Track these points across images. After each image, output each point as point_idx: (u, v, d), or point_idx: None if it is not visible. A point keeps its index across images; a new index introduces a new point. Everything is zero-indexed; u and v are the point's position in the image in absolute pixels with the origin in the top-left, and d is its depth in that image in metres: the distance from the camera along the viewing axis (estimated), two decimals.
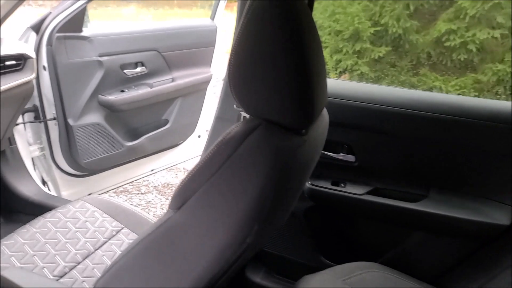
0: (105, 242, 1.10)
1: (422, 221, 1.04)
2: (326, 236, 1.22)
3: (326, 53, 4.29)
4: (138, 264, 0.64)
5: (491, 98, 3.89)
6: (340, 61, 4.39)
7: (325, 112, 0.78)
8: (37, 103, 1.53)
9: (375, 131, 1.08)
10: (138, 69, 1.72)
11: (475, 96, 4.13)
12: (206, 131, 2.30)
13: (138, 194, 2.36)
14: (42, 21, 1.44)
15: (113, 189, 2.02)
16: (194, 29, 1.90)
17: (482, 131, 0.99)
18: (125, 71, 1.68)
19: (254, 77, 0.59)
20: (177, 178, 2.57)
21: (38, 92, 1.50)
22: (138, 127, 1.85)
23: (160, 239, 0.62)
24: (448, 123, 1.01)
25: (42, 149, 1.64)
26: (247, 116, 1.04)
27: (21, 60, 1.29)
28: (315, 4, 1.09)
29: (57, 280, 0.96)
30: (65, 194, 1.73)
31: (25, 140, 1.58)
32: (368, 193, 1.10)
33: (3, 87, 1.23)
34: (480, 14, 3.89)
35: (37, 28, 1.44)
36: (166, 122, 1.95)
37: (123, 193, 2.32)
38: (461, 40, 4.02)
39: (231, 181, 0.58)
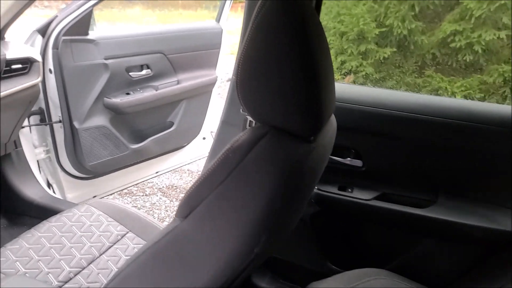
0: (110, 247, 1.10)
1: (431, 227, 1.03)
2: (333, 242, 1.21)
3: (331, 54, 4.27)
4: (144, 272, 0.64)
5: (497, 100, 3.86)
6: (344, 62, 4.38)
7: (332, 117, 0.77)
8: (43, 105, 1.54)
9: (382, 135, 1.07)
10: (144, 72, 1.72)
11: (481, 97, 4.10)
12: (211, 132, 2.30)
13: (142, 196, 2.36)
14: (48, 24, 1.44)
15: (118, 191, 2.02)
16: (200, 32, 1.90)
17: (492, 136, 0.98)
18: (130, 73, 1.68)
19: (262, 85, 0.58)
20: (181, 180, 2.57)
21: (44, 95, 1.51)
22: (143, 130, 1.85)
23: (167, 248, 0.62)
24: (457, 128, 1.00)
25: (47, 151, 1.64)
26: (253, 120, 1.03)
27: (27, 64, 1.29)
28: None
29: (62, 286, 0.96)
30: (70, 196, 1.73)
31: (31, 142, 1.59)
32: (375, 198, 1.09)
33: (9, 91, 1.23)
34: (486, 15, 3.87)
35: (43, 31, 1.44)
36: (171, 124, 1.95)
37: (127, 195, 2.33)
38: (467, 41, 4.00)
39: (239, 190, 0.57)
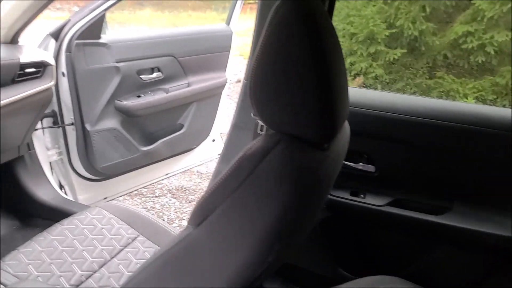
0: (121, 250, 1.11)
1: (446, 234, 1.01)
2: (344, 248, 1.20)
3: None
4: (156, 279, 0.64)
5: (510, 102, 3.79)
6: (354, 63, 4.36)
7: (346, 123, 0.76)
8: (56, 108, 1.56)
9: (396, 140, 1.05)
10: (154, 75, 1.73)
11: (493, 99, 4.04)
12: (221, 134, 2.30)
13: (152, 197, 2.38)
14: (61, 28, 1.46)
15: (128, 193, 2.04)
16: (210, 34, 1.90)
17: (510, 142, 0.96)
18: (141, 76, 1.69)
19: (276, 91, 0.58)
20: (191, 182, 2.58)
21: (56, 97, 1.52)
22: (153, 132, 1.86)
23: (180, 255, 0.61)
24: (473, 134, 0.98)
25: (60, 153, 1.66)
26: (264, 124, 1.03)
27: (40, 68, 1.31)
28: None
29: None
30: (81, 198, 1.75)
31: (43, 145, 1.61)
32: (388, 204, 1.07)
33: (23, 94, 1.24)
34: (499, 16, 3.82)
35: (56, 35, 1.46)
36: (181, 126, 1.95)
37: (137, 196, 2.34)
38: (479, 42, 3.95)
39: (253, 198, 0.57)
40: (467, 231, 0.98)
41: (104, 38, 1.55)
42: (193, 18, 8.02)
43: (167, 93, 1.78)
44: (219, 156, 2.30)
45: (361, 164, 1.10)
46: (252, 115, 1.06)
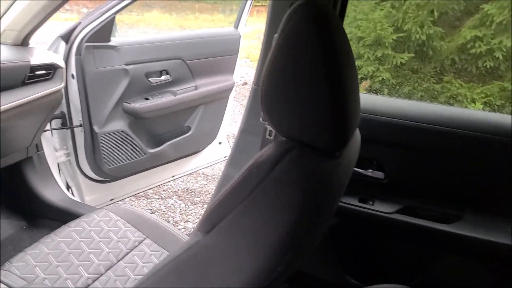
0: (128, 253, 1.11)
1: (456, 244, 1.00)
2: (352, 255, 1.19)
3: None
4: (164, 286, 0.63)
5: None
6: (361, 67, 4.35)
7: (357, 130, 0.75)
8: (65, 110, 1.56)
9: (406, 147, 1.04)
10: (163, 77, 1.74)
11: (501, 104, 4.00)
12: (227, 136, 2.31)
13: (158, 199, 2.38)
14: (72, 30, 1.47)
15: (135, 194, 2.04)
16: (218, 38, 1.90)
17: None
18: (150, 79, 1.70)
19: (287, 98, 0.57)
20: (196, 184, 2.58)
21: (66, 99, 1.53)
22: (161, 134, 1.87)
23: (188, 263, 0.61)
24: (485, 142, 0.97)
25: (67, 154, 1.67)
26: (273, 130, 1.02)
27: (51, 70, 1.32)
28: None
29: None
30: (88, 199, 1.75)
31: (52, 146, 1.62)
32: (397, 211, 1.06)
33: (33, 96, 1.25)
34: (507, 21, 3.79)
35: (67, 37, 1.47)
36: (188, 129, 1.96)
37: (143, 198, 2.35)
38: (487, 47, 3.92)
39: (263, 207, 0.56)
40: (478, 240, 0.97)
41: (114, 40, 1.56)
42: (200, 20, 8.05)
43: (175, 95, 1.78)
44: (225, 158, 2.33)
45: (370, 170, 1.09)
46: (261, 120, 1.06)
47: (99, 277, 1.02)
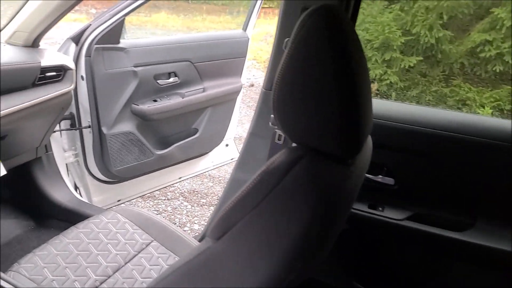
0: (135, 256, 1.11)
1: (467, 252, 0.98)
2: (361, 261, 1.18)
3: None
4: None
5: None
6: (368, 70, 4.34)
7: (368, 137, 0.75)
8: (74, 111, 1.57)
9: (417, 153, 1.03)
10: (171, 79, 1.74)
11: (511, 109, 3.97)
12: (234, 138, 2.30)
13: (164, 200, 2.38)
14: (82, 32, 1.48)
15: (142, 195, 2.05)
16: (227, 40, 1.90)
17: None
18: (158, 81, 1.70)
19: (300, 105, 0.57)
20: (202, 185, 2.58)
21: (75, 100, 1.54)
22: (168, 136, 1.87)
23: (198, 269, 0.61)
24: (498, 149, 0.95)
25: (76, 155, 1.68)
26: (282, 134, 1.02)
27: (61, 71, 1.32)
28: None
29: None
30: (95, 200, 1.76)
31: (61, 146, 1.63)
32: (408, 218, 1.05)
33: (43, 98, 1.26)
34: None
35: (77, 39, 1.47)
36: (196, 131, 1.96)
37: (150, 199, 2.35)
38: (497, 51, 3.88)
39: (275, 214, 0.56)
40: (490, 249, 0.95)
41: (123, 42, 1.57)
42: (207, 21, 8.08)
43: (183, 97, 1.78)
44: (232, 160, 2.32)
45: (380, 176, 1.08)
46: (270, 124, 1.05)
47: (106, 279, 1.02)
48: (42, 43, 1.35)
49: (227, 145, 2.23)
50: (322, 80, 0.55)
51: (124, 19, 1.51)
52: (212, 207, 2.35)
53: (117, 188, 1.82)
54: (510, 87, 3.95)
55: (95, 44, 1.46)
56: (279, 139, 1.04)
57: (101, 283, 1.01)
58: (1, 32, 1.31)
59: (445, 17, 3.90)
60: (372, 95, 0.68)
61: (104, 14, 1.51)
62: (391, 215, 1.06)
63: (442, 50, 3.99)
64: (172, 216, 2.23)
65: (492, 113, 3.84)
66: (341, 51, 0.54)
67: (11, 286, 0.93)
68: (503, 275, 0.99)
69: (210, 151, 2.14)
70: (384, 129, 1.05)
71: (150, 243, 1.15)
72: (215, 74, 1.90)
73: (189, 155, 2.01)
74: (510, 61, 3.82)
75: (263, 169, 0.58)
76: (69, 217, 1.52)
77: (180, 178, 2.11)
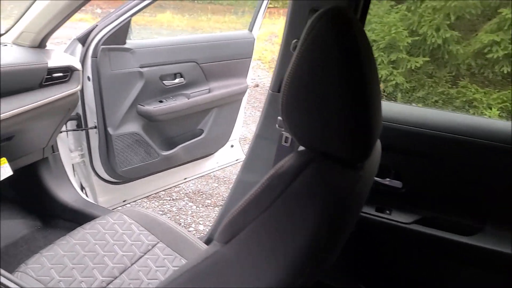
0: (141, 257, 1.11)
1: (476, 256, 0.97)
2: (367, 265, 1.17)
3: None
4: None
5: None
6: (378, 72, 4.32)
7: (377, 140, 0.74)
8: (80, 111, 1.58)
9: (425, 156, 1.02)
10: (177, 80, 1.74)
11: None
12: (239, 139, 2.30)
13: (169, 200, 2.39)
14: (88, 33, 1.48)
15: (147, 196, 2.05)
16: (233, 41, 1.90)
17: None
18: (164, 82, 1.70)
19: (309, 108, 0.56)
20: (207, 186, 2.58)
21: (81, 101, 1.55)
22: (174, 137, 1.87)
23: (206, 273, 0.60)
24: (507, 152, 0.94)
25: (82, 156, 1.68)
26: (289, 136, 1.01)
27: (68, 72, 1.33)
28: None
29: None
30: (101, 200, 1.76)
31: (67, 147, 1.63)
32: (415, 222, 1.04)
33: (50, 99, 1.26)
34: None
35: (83, 40, 1.48)
36: (201, 132, 1.96)
37: (155, 199, 2.35)
38: (505, 52, 3.84)
39: (284, 219, 0.55)
40: (499, 253, 0.94)
41: (129, 43, 1.57)
42: (212, 21, 8.09)
43: (188, 98, 1.78)
44: (237, 161, 2.32)
45: (387, 179, 1.07)
46: (277, 126, 1.05)
47: (113, 280, 1.02)
48: (48, 43, 1.36)
49: (232, 146, 2.23)
50: (333, 84, 0.54)
51: (130, 19, 1.51)
52: (217, 208, 2.35)
53: (123, 188, 1.82)
54: None
55: (102, 44, 1.46)
56: (285, 142, 1.03)
57: (108, 284, 1.01)
58: (8, 32, 1.32)
59: (452, 17, 3.87)
60: None
61: (110, 14, 1.51)
62: (399, 218, 1.05)
63: (449, 51, 3.96)
64: (177, 217, 2.24)
65: (499, 115, 3.81)
66: (352, 55, 0.54)
67: (18, 287, 0.93)
68: (511, 278, 0.98)
69: (215, 152, 2.13)
70: (391, 131, 1.04)
71: (156, 244, 1.15)
72: (221, 75, 1.90)
73: (195, 155, 2.00)
74: None
75: (271, 173, 0.58)
76: (75, 218, 1.53)
77: (185, 178, 2.11)
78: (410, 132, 1.02)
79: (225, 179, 2.69)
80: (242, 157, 2.33)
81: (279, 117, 1.00)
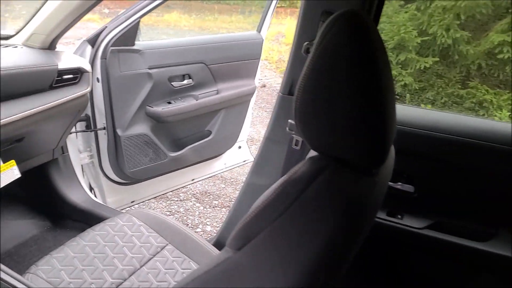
0: (150, 259, 1.11)
1: (490, 263, 0.95)
2: (377, 270, 1.15)
3: None
4: None
5: None
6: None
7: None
8: (89, 112, 1.58)
9: (437, 160, 1.01)
10: (185, 81, 1.74)
11: None
12: (247, 141, 2.30)
13: (177, 201, 2.39)
14: (98, 35, 1.48)
15: (155, 197, 2.05)
16: (241, 42, 1.89)
17: None
18: (172, 83, 1.70)
19: (324, 113, 0.55)
20: (214, 187, 2.58)
21: (90, 102, 1.55)
22: (182, 138, 1.87)
23: (218, 279, 0.60)
24: None
25: (91, 156, 1.69)
26: (300, 139, 1.00)
27: (78, 74, 1.33)
28: None
29: None
30: (109, 200, 1.77)
31: (76, 148, 1.64)
32: (428, 227, 1.02)
33: (60, 100, 1.27)
34: None
35: (93, 41, 1.48)
36: (209, 133, 1.95)
37: (162, 200, 2.36)
38: None
39: (298, 226, 0.54)
40: None
41: (138, 44, 1.57)
42: (219, 21, 8.09)
43: (196, 100, 1.78)
44: (244, 162, 2.31)
45: (399, 183, 1.06)
46: (287, 129, 1.04)
47: (122, 282, 1.02)
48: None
49: (239, 147, 2.22)
50: (349, 89, 0.53)
51: (139, 21, 1.51)
52: (224, 209, 2.35)
53: (131, 189, 1.83)
54: None
55: (111, 46, 1.47)
56: (296, 145, 1.02)
57: (117, 286, 1.01)
58: (18, 34, 1.33)
59: (462, 17, 3.82)
60: None
61: (119, 16, 1.51)
62: (411, 223, 1.04)
63: (459, 51, 3.91)
64: (185, 217, 2.24)
65: (510, 116, 3.75)
66: (368, 59, 0.53)
67: None
68: None
69: (223, 153, 2.13)
70: (404, 135, 1.03)
71: (165, 246, 1.15)
72: (229, 76, 1.89)
73: (202, 157, 2.00)
74: None
75: (285, 179, 0.57)
76: (84, 218, 1.53)
77: (193, 179, 2.11)
78: (423, 135, 1.01)
79: (232, 180, 2.68)
80: (250, 158, 2.32)
81: (290, 120, 0.99)
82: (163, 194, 2.28)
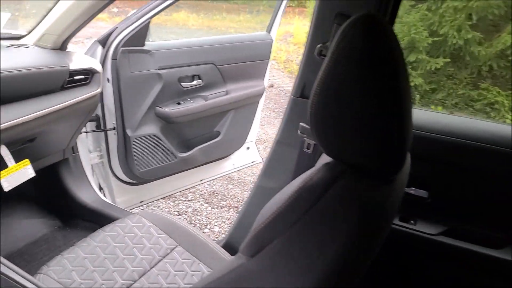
0: (160, 260, 1.10)
1: (506, 271, 0.94)
2: (390, 276, 1.14)
3: None
4: None
5: None
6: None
7: None
8: (100, 113, 1.59)
9: (452, 165, 0.99)
10: (195, 82, 1.74)
11: None
12: (255, 141, 2.29)
13: (185, 201, 2.39)
14: (108, 35, 1.49)
15: (164, 197, 2.06)
16: (251, 42, 1.89)
17: None
18: (182, 83, 1.70)
19: (340, 119, 0.54)
20: (222, 187, 2.58)
21: (100, 102, 1.56)
22: (191, 138, 1.87)
23: (231, 286, 0.59)
24: None
25: (101, 156, 1.70)
26: (311, 142, 0.99)
27: (89, 75, 1.33)
28: None
29: None
30: (119, 200, 1.78)
31: (86, 148, 1.65)
32: (442, 233, 1.00)
33: (71, 101, 1.27)
34: None
35: (103, 42, 1.49)
36: (218, 134, 1.95)
37: (170, 200, 2.36)
38: None
39: (313, 234, 0.53)
40: None
41: (148, 45, 1.57)
42: (227, 20, 8.09)
43: (206, 100, 1.78)
44: (253, 163, 2.30)
45: (413, 188, 1.04)
46: (299, 132, 1.03)
47: (133, 283, 1.02)
48: None
49: (248, 148, 2.21)
50: (366, 94, 0.52)
51: (149, 21, 1.51)
52: (232, 210, 2.35)
53: (140, 189, 1.83)
54: None
55: (121, 46, 1.47)
56: (307, 148, 1.01)
57: (128, 287, 1.01)
58: (30, 34, 1.33)
59: (474, 17, 3.76)
60: None
61: (130, 17, 1.51)
62: (424, 229, 1.02)
63: (470, 52, 3.85)
64: (192, 218, 2.24)
65: None
66: (386, 64, 0.51)
67: None
68: None
69: (231, 153, 2.13)
70: (418, 139, 1.01)
71: (175, 248, 1.15)
72: (238, 77, 1.89)
73: (211, 157, 2.00)
74: None
75: (300, 185, 0.56)
76: (93, 218, 1.54)
77: (201, 180, 2.11)
78: (437, 140, 0.99)
79: (240, 180, 2.68)
80: (258, 159, 2.31)
81: (302, 123, 0.98)
82: (171, 194, 2.29)
